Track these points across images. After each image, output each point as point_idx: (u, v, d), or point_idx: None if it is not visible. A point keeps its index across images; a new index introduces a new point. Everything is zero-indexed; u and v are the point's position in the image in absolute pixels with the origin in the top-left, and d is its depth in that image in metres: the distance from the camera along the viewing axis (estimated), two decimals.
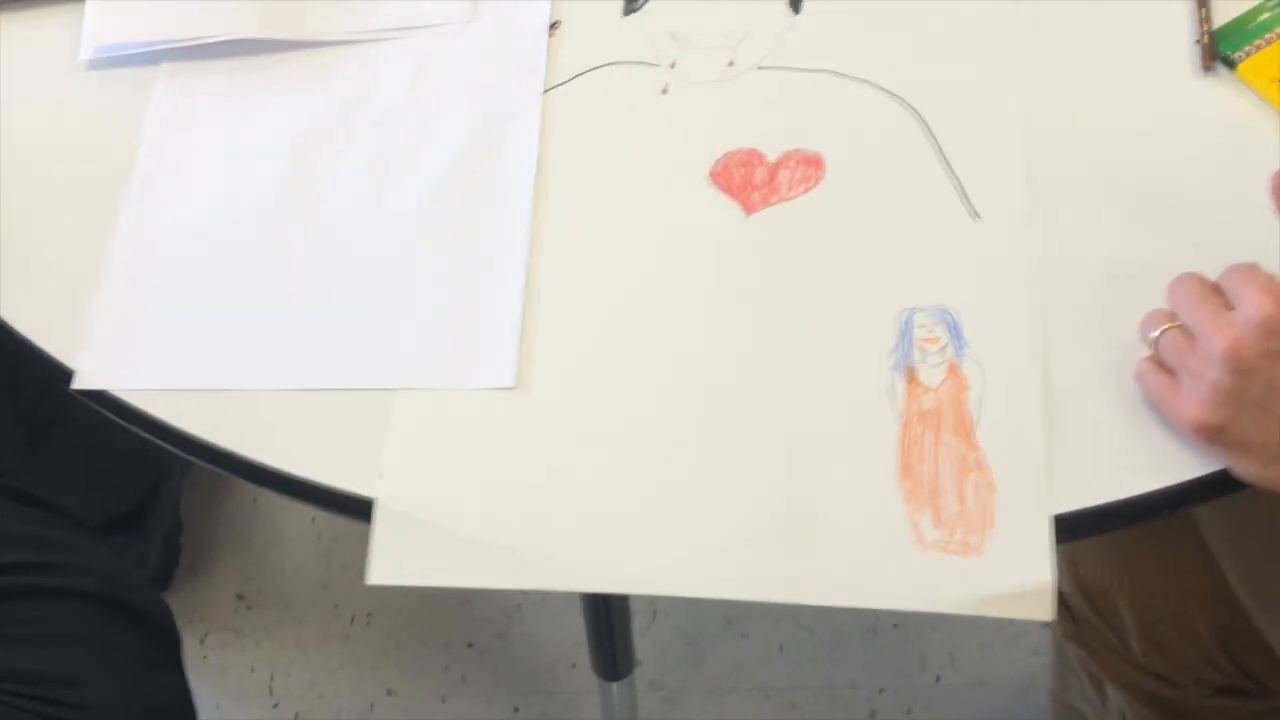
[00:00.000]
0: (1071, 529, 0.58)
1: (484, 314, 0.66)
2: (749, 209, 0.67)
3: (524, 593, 1.30)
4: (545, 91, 0.72)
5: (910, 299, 0.64)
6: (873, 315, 0.64)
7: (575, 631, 1.25)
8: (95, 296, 0.68)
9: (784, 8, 0.73)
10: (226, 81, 0.74)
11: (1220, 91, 0.68)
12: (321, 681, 1.29)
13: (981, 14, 0.72)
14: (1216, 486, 0.58)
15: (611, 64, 0.72)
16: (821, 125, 0.69)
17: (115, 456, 1.16)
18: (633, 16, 0.74)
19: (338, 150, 0.72)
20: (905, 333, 0.63)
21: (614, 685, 1.06)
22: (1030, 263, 0.64)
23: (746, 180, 0.68)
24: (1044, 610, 0.57)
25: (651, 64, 0.72)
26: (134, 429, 0.65)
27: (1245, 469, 0.57)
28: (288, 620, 1.32)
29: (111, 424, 0.66)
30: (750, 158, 0.68)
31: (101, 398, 0.65)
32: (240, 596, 1.33)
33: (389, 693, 1.28)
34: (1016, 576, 0.57)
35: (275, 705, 1.28)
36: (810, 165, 0.68)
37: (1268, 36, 0.68)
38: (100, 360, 0.66)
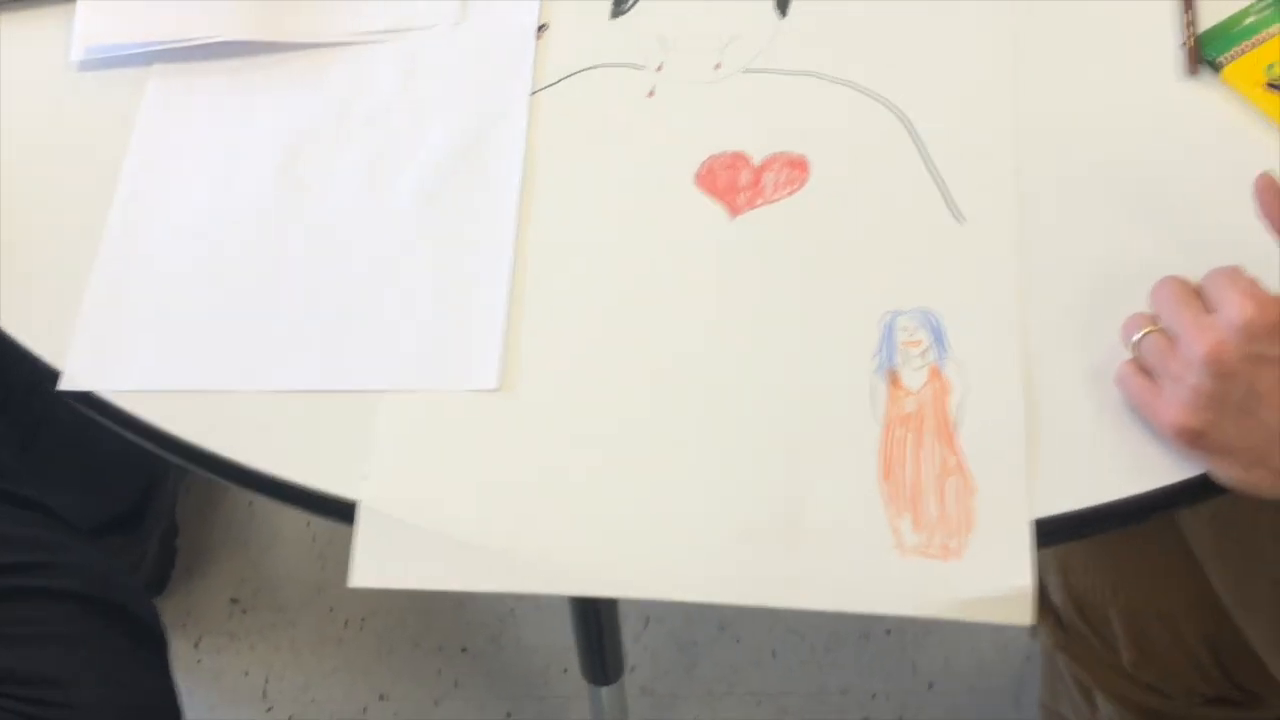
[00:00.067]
0: (1052, 533, 0.58)
1: (468, 315, 0.66)
2: (734, 211, 0.67)
3: (517, 597, 1.30)
4: (533, 93, 0.72)
5: (893, 302, 0.64)
6: (856, 318, 0.64)
7: (568, 636, 1.25)
8: (84, 297, 0.68)
9: (771, 11, 0.73)
10: (218, 82, 0.75)
11: (1205, 95, 0.68)
12: (315, 685, 1.29)
13: (968, 19, 0.72)
14: (1197, 491, 0.58)
15: (599, 66, 0.72)
16: (807, 128, 0.69)
17: (108, 457, 1.16)
18: (620, 19, 0.74)
19: (327, 151, 0.72)
20: (887, 336, 0.63)
21: (603, 690, 1.05)
22: (1013, 266, 0.64)
23: (731, 183, 0.68)
24: (1024, 614, 0.57)
25: (639, 66, 0.72)
26: (118, 430, 0.65)
27: (1226, 473, 0.57)
28: (282, 623, 1.32)
29: (97, 425, 0.66)
30: (735, 160, 0.69)
31: (87, 398, 0.66)
32: (235, 600, 1.33)
33: (382, 697, 1.28)
34: (996, 581, 0.57)
35: (269, 709, 1.28)
36: (795, 168, 0.68)
37: (1253, 40, 0.68)
38: (87, 361, 0.66)
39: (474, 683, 1.28)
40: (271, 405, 0.65)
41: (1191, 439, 0.57)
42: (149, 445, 0.65)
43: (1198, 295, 0.58)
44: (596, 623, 0.96)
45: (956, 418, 0.61)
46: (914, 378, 0.62)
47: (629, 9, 0.74)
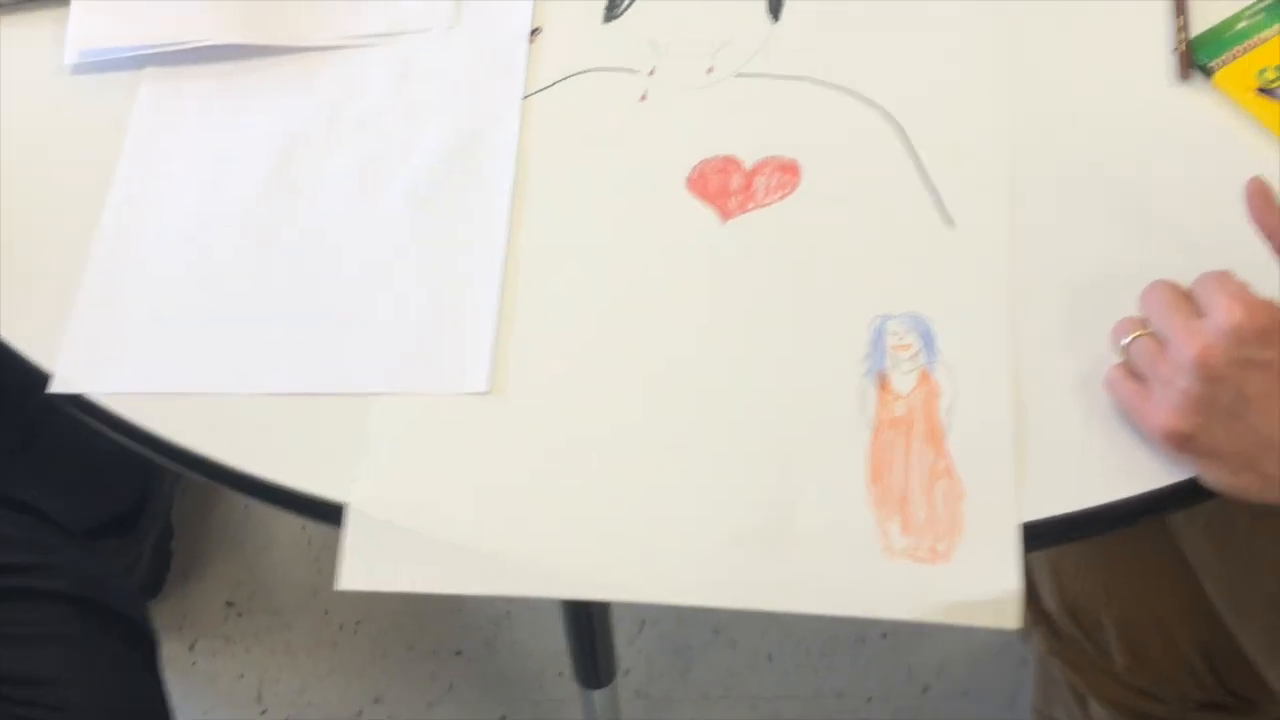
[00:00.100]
0: (1040, 536, 0.58)
1: (459, 318, 0.66)
2: (725, 215, 0.67)
3: (512, 601, 1.29)
4: (525, 97, 0.72)
5: (883, 306, 0.64)
6: (846, 322, 0.64)
7: (563, 640, 1.24)
8: (76, 299, 0.68)
9: (763, 15, 0.73)
10: (211, 86, 0.75)
11: (1197, 100, 0.68)
12: (310, 688, 1.29)
13: (960, 23, 0.72)
14: (1186, 495, 0.58)
15: (592, 70, 0.73)
16: (799, 132, 0.69)
17: (104, 459, 1.16)
18: (613, 23, 0.74)
19: (320, 154, 0.72)
20: (877, 340, 0.63)
21: (595, 693, 1.05)
22: (1004, 270, 0.64)
23: (723, 187, 0.68)
24: (1011, 618, 0.57)
25: (631, 70, 0.72)
26: (108, 432, 0.65)
27: (1214, 477, 0.57)
28: (277, 627, 1.32)
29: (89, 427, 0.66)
30: (727, 164, 0.69)
31: (78, 402, 0.66)
32: (230, 603, 1.33)
33: (376, 700, 1.28)
34: (984, 584, 0.57)
35: (264, 712, 1.28)
36: (786, 172, 0.68)
37: (1245, 45, 0.68)
38: (78, 363, 0.66)
39: (468, 686, 1.28)
40: (262, 408, 0.65)
41: (1180, 443, 0.57)
42: (139, 448, 0.65)
43: (1188, 299, 0.57)
44: (588, 626, 0.96)
45: (946, 421, 0.61)
46: (904, 381, 0.62)
47: (622, 13, 0.74)
